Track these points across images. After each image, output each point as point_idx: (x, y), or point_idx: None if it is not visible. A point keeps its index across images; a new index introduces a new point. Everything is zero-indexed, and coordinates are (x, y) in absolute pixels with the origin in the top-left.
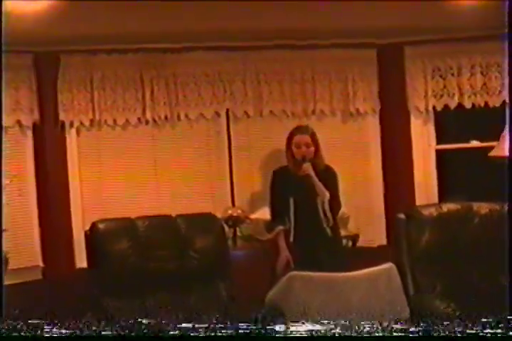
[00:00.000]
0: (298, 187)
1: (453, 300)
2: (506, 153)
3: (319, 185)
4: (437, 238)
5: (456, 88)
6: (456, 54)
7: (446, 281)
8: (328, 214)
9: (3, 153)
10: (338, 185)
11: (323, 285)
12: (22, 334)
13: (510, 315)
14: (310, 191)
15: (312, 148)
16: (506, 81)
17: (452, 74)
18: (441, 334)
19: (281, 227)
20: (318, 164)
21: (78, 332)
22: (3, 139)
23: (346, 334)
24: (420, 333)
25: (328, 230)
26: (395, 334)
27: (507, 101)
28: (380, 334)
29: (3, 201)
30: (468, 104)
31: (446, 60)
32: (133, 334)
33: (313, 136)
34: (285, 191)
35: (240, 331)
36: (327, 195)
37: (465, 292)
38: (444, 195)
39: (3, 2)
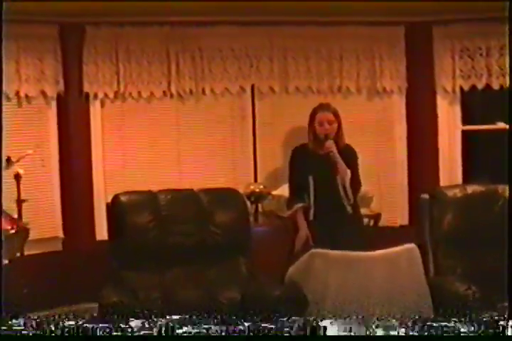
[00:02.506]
0: (318, 164)
1: (473, 283)
2: None
3: (341, 163)
4: (460, 220)
5: (485, 69)
6: (485, 34)
7: (468, 264)
8: (349, 192)
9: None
10: (358, 163)
11: (344, 263)
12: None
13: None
14: (330, 169)
15: (335, 125)
16: None
17: (481, 55)
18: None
19: (300, 205)
20: (340, 142)
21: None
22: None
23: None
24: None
25: (349, 208)
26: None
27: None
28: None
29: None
30: (496, 85)
31: (474, 41)
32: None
33: (335, 113)
34: (305, 169)
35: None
36: (348, 172)
37: (486, 275)
38: (468, 176)
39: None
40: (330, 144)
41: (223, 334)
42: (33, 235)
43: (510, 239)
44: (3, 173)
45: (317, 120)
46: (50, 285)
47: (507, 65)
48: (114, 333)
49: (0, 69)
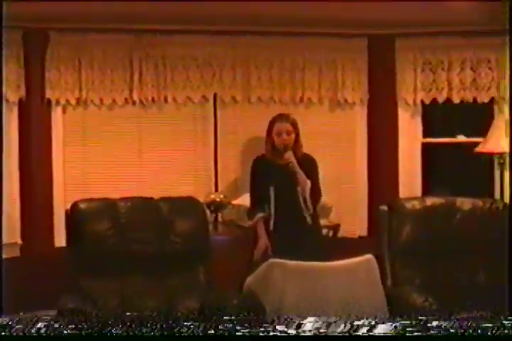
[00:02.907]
0: (278, 175)
1: (431, 294)
2: (492, 149)
3: (301, 173)
4: (419, 231)
5: (446, 82)
6: (447, 48)
7: (425, 275)
8: (309, 202)
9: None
10: (318, 173)
11: (302, 274)
12: None
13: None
14: (290, 179)
15: (293, 136)
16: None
17: (442, 69)
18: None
19: (261, 214)
20: (298, 152)
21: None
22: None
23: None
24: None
25: (309, 218)
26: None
27: (500, 96)
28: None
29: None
30: (456, 99)
31: (436, 54)
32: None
33: (294, 124)
34: (265, 179)
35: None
36: (308, 183)
37: (443, 286)
38: (427, 188)
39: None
40: (289, 155)
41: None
42: None
43: (510, 242)
44: None
45: (275, 130)
46: (7, 291)
47: (467, 80)
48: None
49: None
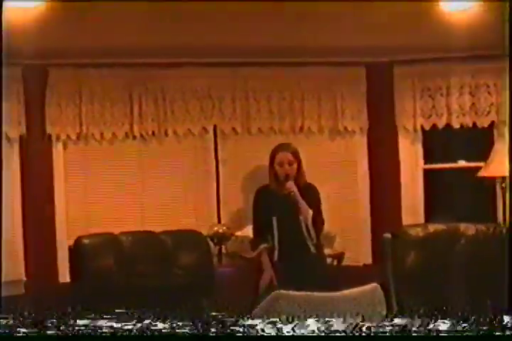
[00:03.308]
0: (281, 205)
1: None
2: (494, 173)
3: (302, 203)
4: (423, 258)
5: (445, 108)
6: (446, 74)
7: (431, 302)
8: (312, 231)
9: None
10: (320, 201)
11: (307, 304)
12: None
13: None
14: (293, 209)
15: (295, 166)
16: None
17: (441, 94)
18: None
19: (264, 245)
20: (300, 181)
21: None
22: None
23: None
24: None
25: (312, 248)
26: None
27: (499, 120)
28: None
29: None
30: (456, 124)
31: (435, 80)
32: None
33: (295, 153)
34: (268, 210)
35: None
36: (310, 212)
37: (449, 313)
38: (430, 214)
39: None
40: (290, 185)
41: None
42: None
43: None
44: None
45: (277, 161)
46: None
47: (466, 105)
48: None
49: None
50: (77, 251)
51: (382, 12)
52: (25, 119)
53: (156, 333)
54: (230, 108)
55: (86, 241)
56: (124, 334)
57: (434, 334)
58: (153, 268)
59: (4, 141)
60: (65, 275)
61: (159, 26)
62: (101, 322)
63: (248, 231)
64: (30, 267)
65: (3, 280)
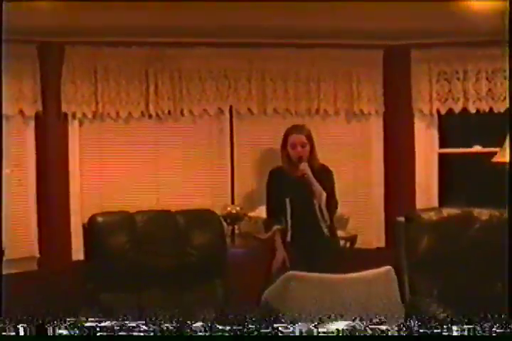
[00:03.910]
0: (294, 187)
1: (450, 306)
2: (509, 159)
3: (316, 185)
4: (436, 242)
5: (461, 92)
6: (463, 58)
7: (444, 286)
8: (325, 213)
9: (4, 144)
10: (334, 183)
11: (320, 286)
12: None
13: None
14: (306, 191)
15: (307, 148)
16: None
17: (458, 79)
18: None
19: (277, 227)
20: (314, 163)
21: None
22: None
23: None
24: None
25: (326, 229)
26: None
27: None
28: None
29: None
30: (472, 109)
31: (452, 64)
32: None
33: (308, 135)
34: (281, 191)
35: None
36: (324, 194)
37: (462, 297)
38: (444, 199)
39: (3, 2)
40: (304, 166)
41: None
42: (8, 254)
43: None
44: None
45: (290, 143)
46: (25, 305)
47: (483, 90)
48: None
49: None
50: (91, 229)
51: None
52: (41, 97)
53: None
54: (246, 88)
55: (100, 219)
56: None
57: None
58: (167, 247)
59: (20, 119)
60: (78, 253)
61: (176, 5)
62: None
63: (261, 212)
64: (43, 244)
65: (16, 256)
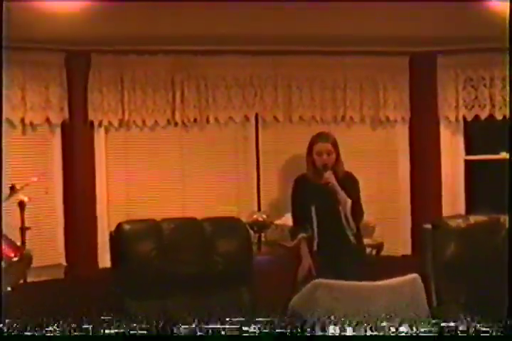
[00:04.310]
0: (319, 194)
1: (477, 313)
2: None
3: (341, 193)
4: (463, 250)
5: (488, 99)
6: (489, 65)
7: (471, 294)
8: (351, 221)
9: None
10: (359, 191)
11: (347, 294)
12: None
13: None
14: (331, 199)
15: (333, 156)
16: None
17: (484, 85)
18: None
19: (303, 235)
20: (339, 171)
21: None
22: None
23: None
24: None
25: (352, 237)
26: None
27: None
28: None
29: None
30: (499, 116)
31: (478, 71)
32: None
33: (334, 143)
34: (306, 199)
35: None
36: (349, 202)
37: (489, 305)
38: (471, 206)
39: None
40: (328, 175)
41: None
42: (35, 262)
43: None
44: (8, 201)
45: (315, 150)
46: (52, 312)
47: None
48: None
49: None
50: (118, 237)
51: (426, 2)
52: (67, 105)
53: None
54: (272, 96)
55: (127, 227)
56: None
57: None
58: (193, 255)
59: (46, 127)
60: (104, 261)
61: (203, 13)
62: None
63: (287, 219)
64: (70, 252)
65: (43, 264)
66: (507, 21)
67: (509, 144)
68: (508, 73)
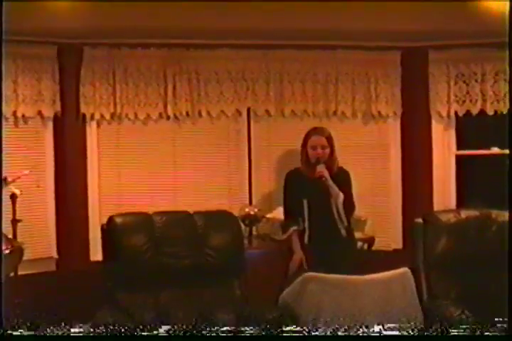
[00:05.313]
0: (311, 188)
1: (467, 307)
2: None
3: (333, 187)
4: (454, 244)
5: (479, 94)
6: (481, 60)
7: (461, 288)
8: (343, 215)
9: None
10: (352, 186)
11: (337, 287)
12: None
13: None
14: (324, 192)
15: (327, 150)
16: None
17: (476, 81)
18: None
19: (294, 228)
20: (332, 166)
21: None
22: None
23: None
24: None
25: (343, 231)
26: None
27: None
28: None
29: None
30: (490, 111)
31: (470, 66)
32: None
33: (329, 138)
34: (298, 193)
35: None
36: (341, 196)
37: (479, 299)
38: (462, 200)
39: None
40: (321, 168)
41: None
42: (27, 255)
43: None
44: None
45: (310, 144)
46: (43, 305)
47: (501, 91)
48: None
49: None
50: (109, 230)
51: None
52: (59, 98)
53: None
54: (264, 90)
55: (119, 220)
56: None
57: None
58: (185, 248)
59: (39, 120)
60: (96, 254)
61: (195, 7)
62: None
63: (279, 213)
64: (62, 245)
65: (34, 257)
66: (507, 20)
67: (509, 139)
68: (507, 69)
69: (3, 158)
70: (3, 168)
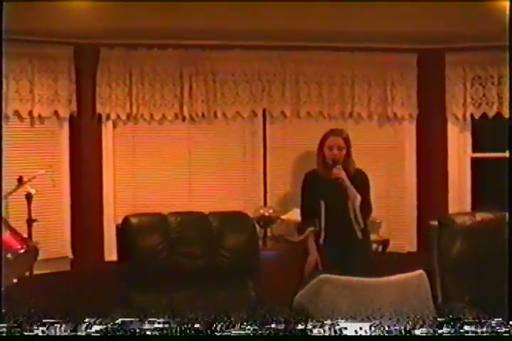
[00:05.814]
0: (329, 189)
1: (482, 310)
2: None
3: (351, 188)
4: (469, 247)
5: (496, 97)
6: (497, 63)
7: (476, 291)
8: (359, 217)
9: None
10: (369, 188)
11: (352, 289)
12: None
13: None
14: (341, 194)
15: (344, 151)
16: None
17: (492, 83)
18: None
19: (311, 229)
20: (349, 167)
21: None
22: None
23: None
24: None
25: (359, 233)
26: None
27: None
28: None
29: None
30: (506, 114)
31: (486, 69)
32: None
33: (346, 139)
34: (316, 194)
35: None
36: (358, 198)
37: (494, 302)
38: (477, 203)
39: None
40: (338, 170)
41: None
42: (42, 255)
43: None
44: (15, 193)
45: (327, 145)
46: (58, 305)
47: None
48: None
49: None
50: (124, 230)
51: None
52: (76, 98)
53: None
54: (280, 91)
55: (134, 220)
56: None
57: None
58: (200, 249)
59: (55, 120)
60: (111, 254)
61: (212, 8)
62: None
63: (293, 214)
64: (76, 245)
65: (49, 256)
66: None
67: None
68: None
69: (18, 158)
70: (17, 168)
